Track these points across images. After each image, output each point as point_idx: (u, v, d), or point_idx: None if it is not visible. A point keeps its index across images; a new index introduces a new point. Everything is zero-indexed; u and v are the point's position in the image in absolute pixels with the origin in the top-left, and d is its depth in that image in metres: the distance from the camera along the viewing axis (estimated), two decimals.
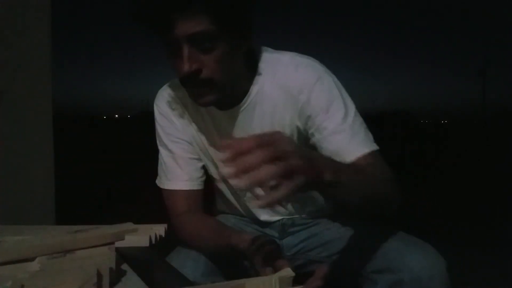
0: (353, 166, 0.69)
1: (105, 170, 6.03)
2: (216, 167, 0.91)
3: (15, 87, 1.57)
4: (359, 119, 0.79)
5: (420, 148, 10.61)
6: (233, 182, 0.89)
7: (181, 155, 0.88)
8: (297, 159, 0.46)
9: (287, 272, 0.45)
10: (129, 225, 0.63)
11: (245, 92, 0.82)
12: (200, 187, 0.89)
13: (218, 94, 0.74)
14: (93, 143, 11.60)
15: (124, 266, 0.53)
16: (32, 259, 0.50)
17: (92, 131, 20.04)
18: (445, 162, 7.64)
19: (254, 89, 0.82)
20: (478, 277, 1.97)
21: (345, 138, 0.75)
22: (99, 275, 0.44)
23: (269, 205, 0.47)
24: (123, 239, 0.58)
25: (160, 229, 0.67)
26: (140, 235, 0.61)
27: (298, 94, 0.79)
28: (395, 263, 0.75)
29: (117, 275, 0.49)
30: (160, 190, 0.90)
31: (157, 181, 0.91)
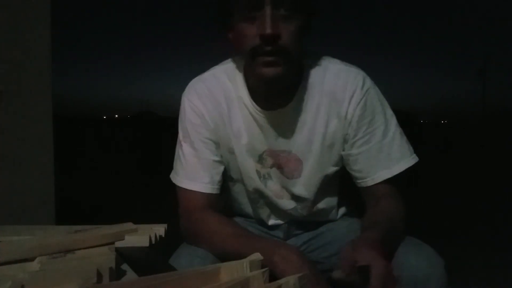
0: (383, 230, 0.71)
1: (105, 170, 6.02)
2: (239, 168, 0.88)
3: (15, 87, 1.57)
4: (396, 133, 0.83)
5: (419, 148, 10.61)
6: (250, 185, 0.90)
7: (206, 156, 0.84)
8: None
9: (257, 256, 0.48)
10: (129, 225, 0.63)
11: (289, 93, 0.82)
12: (218, 192, 0.86)
13: (288, 68, 0.73)
14: (93, 143, 11.60)
15: (124, 266, 0.53)
16: (32, 259, 0.50)
17: (92, 131, 20.03)
18: (445, 162, 7.64)
19: (300, 93, 0.82)
20: (477, 277, 1.97)
21: (376, 160, 0.81)
22: (99, 275, 0.44)
23: None
24: (123, 239, 0.58)
25: (160, 229, 0.67)
26: (140, 235, 0.61)
27: (346, 104, 0.81)
28: (393, 262, 0.75)
29: (117, 275, 0.49)
30: (162, 190, 0.89)
31: (172, 177, 0.87)
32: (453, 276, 0.73)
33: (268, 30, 0.66)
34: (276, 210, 0.93)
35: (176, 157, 0.87)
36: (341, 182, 0.97)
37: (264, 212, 0.95)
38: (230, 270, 0.45)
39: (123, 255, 0.56)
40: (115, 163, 6.95)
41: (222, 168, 0.87)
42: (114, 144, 11.56)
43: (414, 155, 0.83)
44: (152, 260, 0.58)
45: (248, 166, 0.88)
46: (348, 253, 0.60)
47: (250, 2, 0.68)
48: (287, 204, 0.91)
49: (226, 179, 0.92)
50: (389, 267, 0.59)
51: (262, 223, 0.97)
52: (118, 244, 0.57)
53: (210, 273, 0.44)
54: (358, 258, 0.58)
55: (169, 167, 0.90)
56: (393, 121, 0.83)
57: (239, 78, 0.85)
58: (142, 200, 3.76)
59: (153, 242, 0.63)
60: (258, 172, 0.89)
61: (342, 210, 0.99)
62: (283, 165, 0.87)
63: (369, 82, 0.83)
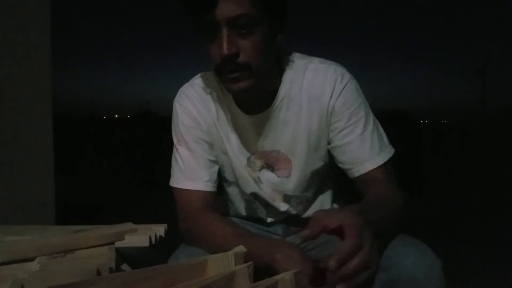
0: (372, 207, 0.69)
1: (105, 170, 6.03)
2: (233, 170, 0.90)
3: (15, 87, 1.57)
4: (376, 125, 0.85)
5: (419, 148, 10.61)
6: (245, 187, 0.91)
7: (202, 155, 0.86)
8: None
9: (241, 248, 0.51)
10: (129, 225, 0.63)
11: (271, 96, 0.84)
12: (216, 190, 0.87)
13: (254, 81, 0.75)
14: (93, 143, 11.61)
15: (124, 266, 0.53)
16: (32, 259, 0.50)
17: (92, 131, 20.04)
18: (444, 162, 7.65)
19: (281, 94, 0.84)
20: (475, 277, 1.97)
21: (362, 149, 0.82)
22: (99, 275, 0.44)
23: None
24: (123, 239, 0.58)
25: (160, 229, 0.67)
26: (140, 235, 0.61)
27: (325, 100, 0.83)
28: (391, 262, 0.75)
29: None
30: (161, 190, 0.89)
31: (172, 181, 0.88)
32: (452, 276, 0.73)
33: (224, 51, 0.70)
34: (272, 209, 0.94)
35: (173, 162, 0.89)
36: (335, 180, 0.98)
37: (261, 212, 0.96)
38: (216, 262, 0.47)
39: (123, 255, 0.57)
40: (115, 163, 6.95)
41: (217, 167, 0.89)
42: (114, 144, 11.57)
43: (390, 146, 0.86)
44: (152, 260, 0.58)
45: (241, 168, 0.90)
46: (320, 215, 0.58)
47: (208, 24, 0.71)
48: (281, 206, 0.93)
49: (221, 181, 0.93)
50: (365, 230, 0.54)
51: (260, 221, 0.97)
52: (118, 244, 0.57)
53: (198, 266, 0.46)
54: (329, 221, 0.56)
55: (169, 166, 0.91)
56: (371, 114, 0.86)
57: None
58: (142, 200, 3.76)
59: (153, 242, 0.63)
60: (249, 175, 0.91)
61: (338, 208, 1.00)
62: (273, 164, 0.89)
63: (347, 76, 0.85)
